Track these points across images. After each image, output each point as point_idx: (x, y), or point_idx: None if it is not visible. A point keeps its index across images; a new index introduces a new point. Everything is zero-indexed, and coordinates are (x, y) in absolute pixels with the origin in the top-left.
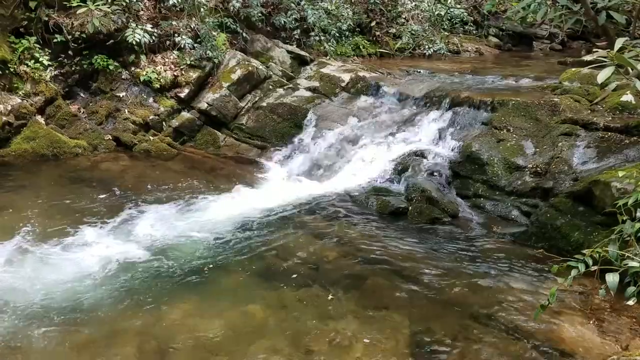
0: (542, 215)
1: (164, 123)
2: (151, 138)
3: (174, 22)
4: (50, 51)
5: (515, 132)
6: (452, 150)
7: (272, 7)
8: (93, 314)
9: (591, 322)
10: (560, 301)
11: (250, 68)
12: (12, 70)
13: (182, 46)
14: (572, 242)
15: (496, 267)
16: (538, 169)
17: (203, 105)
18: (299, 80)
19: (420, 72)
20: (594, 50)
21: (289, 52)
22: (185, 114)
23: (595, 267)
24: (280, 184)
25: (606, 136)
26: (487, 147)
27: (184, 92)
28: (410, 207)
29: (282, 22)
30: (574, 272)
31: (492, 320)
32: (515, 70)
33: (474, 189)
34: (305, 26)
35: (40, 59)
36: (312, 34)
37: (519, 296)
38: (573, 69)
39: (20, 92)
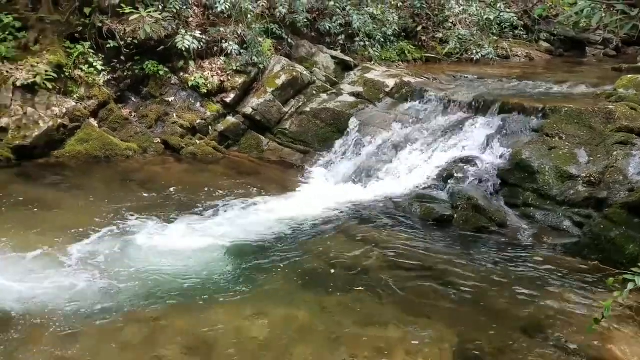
0: (595, 227)
1: (210, 127)
2: (198, 142)
3: (221, 29)
4: (103, 56)
5: (567, 140)
6: (501, 157)
7: (317, 12)
8: (138, 311)
9: None
10: (614, 315)
11: (294, 73)
12: (67, 74)
13: (229, 52)
14: (626, 255)
15: (546, 278)
16: (592, 178)
17: (248, 110)
18: (343, 85)
19: (467, 77)
20: None
21: (333, 57)
22: (231, 119)
23: None
24: (323, 189)
25: None
26: (538, 154)
27: (230, 97)
28: (455, 215)
29: (327, 28)
30: (630, 286)
31: (541, 333)
32: (567, 76)
33: (524, 197)
34: (350, 31)
35: (94, 64)
36: (357, 39)
37: (569, 309)
38: (629, 76)
39: (74, 96)
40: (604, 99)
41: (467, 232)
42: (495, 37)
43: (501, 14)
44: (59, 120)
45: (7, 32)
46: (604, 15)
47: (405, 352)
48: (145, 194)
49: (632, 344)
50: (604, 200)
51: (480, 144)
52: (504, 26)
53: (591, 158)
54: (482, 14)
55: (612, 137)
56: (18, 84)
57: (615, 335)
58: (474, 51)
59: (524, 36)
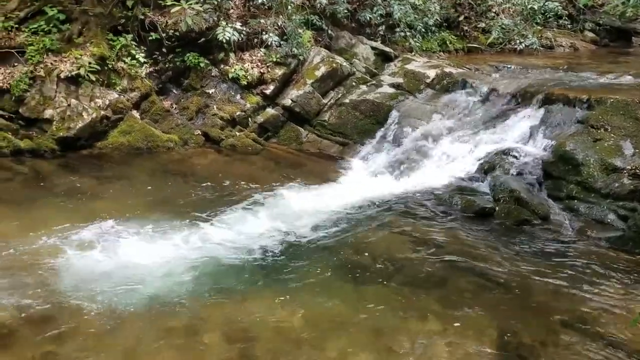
0: None
1: (249, 119)
2: (237, 134)
3: (261, 20)
4: (145, 48)
5: (613, 132)
6: (544, 149)
7: (357, 3)
8: (183, 301)
9: None
10: None
11: (334, 65)
12: (110, 66)
13: (268, 44)
14: None
15: (589, 271)
16: (637, 171)
17: (287, 101)
18: (383, 76)
19: (510, 67)
20: None
21: (373, 48)
22: (270, 110)
23: None
24: (362, 181)
25: None
26: (582, 146)
27: (269, 89)
28: (497, 208)
29: (368, 18)
30: None
31: (583, 327)
32: (612, 67)
33: (567, 190)
34: (390, 22)
35: (137, 56)
36: (398, 29)
37: (613, 303)
38: None
39: (117, 88)
40: None
41: (509, 225)
42: (539, 27)
43: (546, 3)
44: (102, 112)
45: (51, 25)
46: None
47: (445, 344)
48: (185, 185)
49: None
50: None
51: (523, 136)
52: (548, 15)
53: (637, 150)
54: (526, 3)
55: None
56: (62, 75)
57: None
58: (517, 41)
59: (569, 26)
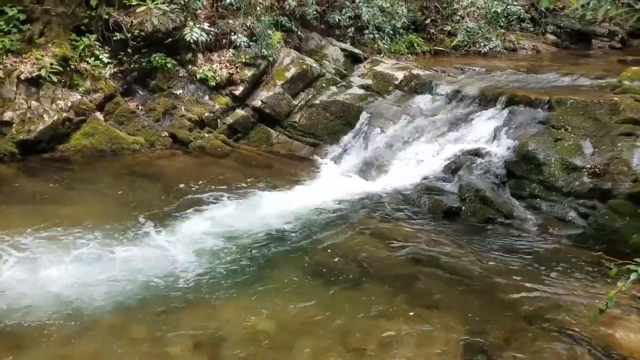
0: (600, 217)
1: (218, 120)
2: (206, 135)
3: (230, 21)
4: (110, 49)
5: (573, 132)
6: (508, 149)
7: (326, 5)
8: (148, 308)
9: None
10: (618, 305)
11: (304, 66)
12: (72, 67)
13: (237, 44)
14: (630, 245)
15: (551, 268)
16: (596, 169)
17: (257, 103)
18: (352, 78)
19: (475, 70)
20: None
21: (342, 50)
22: (240, 112)
23: None
24: (332, 182)
25: None
26: (543, 146)
27: (239, 90)
28: (463, 207)
29: (337, 20)
30: (633, 276)
31: (547, 323)
32: (573, 68)
33: (530, 189)
34: (359, 24)
35: (100, 57)
36: (366, 31)
37: (574, 299)
38: (633, 68)
39: (80, 89)
40: (609, 91)
41: (474, 223)
42: (502, 30)
43: (508, 6)
44: (64, 114)
45: (11, 25)
46: (609, 7)
47: (414, 344)
48: (152, 188)
49: (637, 332)
50: (608, 191)
51: (488, 136)
52: (511, 19)
53: (596, 149)
54: (490, 7)
55: (616, 129)
56: (22, 77)
57: (620, 325)
58: (482, 44)
59: (531, 29)
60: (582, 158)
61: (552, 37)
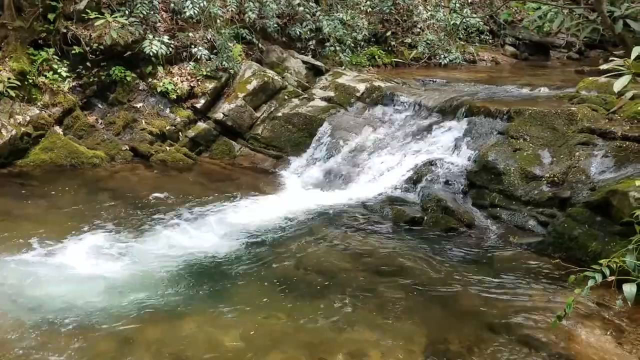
0: (559, 225)
1: (180, 133)
2: (168, 148)
3: (190, 34)
4: (68, 63)
5: (532, 142)
6: (468, 159)
7: (287, 18)
8: (108, 325)
9: (608, 333)
10: (577, 312)
11: (265, 78)
12: (30, 81)
13: (198, 57)
14: (589, 252)
15: (512, 277)
16: (555, 178)
17: (219, 115)
18: (314, 90)
19: (435, 81)
20: (611, 59)
21: (304, 62)
22: (202, 124)
23: (613, 278)
24: (296, 194)
25: (624, 145)
26: (503, 156)
27: (200, 103)
28: (425, 217)
29: (298, 33)
30: (590, 283)
31: (508, 331)
32: (531, 79)
33: (490, 198)
34: (320, 37)
35: (59, 71)
36: (328, 44)
37: (535, 306)
38: (590, 78)
39: (38, 103)
40: (566, 101)
41: (437, 233)
42: (462, 42)
43: (467, 19)
44: (23, 129)
45: None
46: (565, 18)
47: (378, 354)
48: (112, 203)
49: (595, 338)
50: (567, 200)
51: (449, 147)
52: (470, 31)
53: (554, 159)
54: (449, 19)
55: (574, 138)
56: None
57: (579, 331)
58: (442, 56)
59: (490, 41)
60: (540, 167)
61: (511, 49)
